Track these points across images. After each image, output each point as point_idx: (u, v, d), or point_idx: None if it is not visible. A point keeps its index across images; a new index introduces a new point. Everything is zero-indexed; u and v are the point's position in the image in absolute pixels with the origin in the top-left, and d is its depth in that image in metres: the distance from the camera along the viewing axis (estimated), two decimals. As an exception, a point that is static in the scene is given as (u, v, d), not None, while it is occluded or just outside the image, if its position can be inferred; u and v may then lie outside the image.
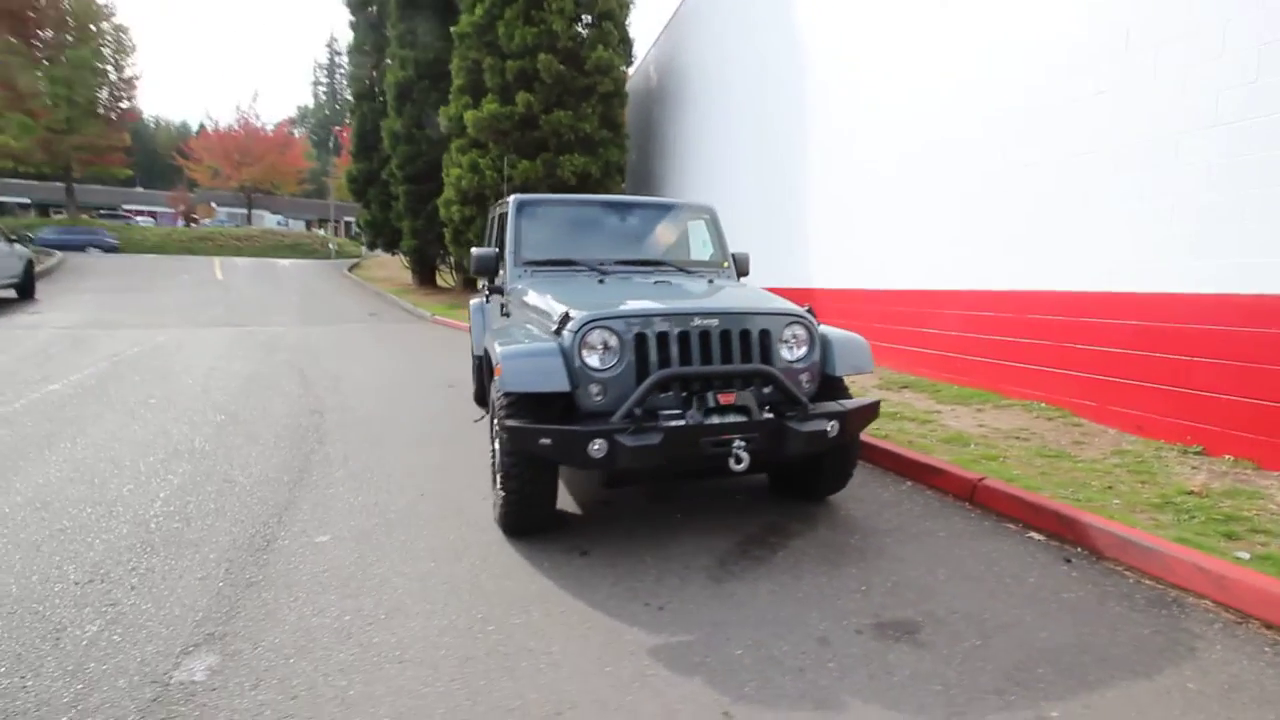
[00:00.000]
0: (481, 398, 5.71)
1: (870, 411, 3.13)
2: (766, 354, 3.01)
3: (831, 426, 2.87)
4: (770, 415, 2.86)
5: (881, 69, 6.99)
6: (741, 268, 4.38)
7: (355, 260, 28.86)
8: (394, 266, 24.71)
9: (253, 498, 3.57)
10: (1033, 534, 3.16)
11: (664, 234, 4.42)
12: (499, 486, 2.90)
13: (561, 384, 2.72)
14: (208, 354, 8.57)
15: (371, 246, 21.43)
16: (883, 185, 6.96)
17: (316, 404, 5.89)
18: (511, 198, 4.18)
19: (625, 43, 14.16)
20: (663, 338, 2.87)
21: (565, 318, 2.87)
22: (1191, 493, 3.42)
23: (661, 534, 3.12)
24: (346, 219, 49.63)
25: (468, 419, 5.36)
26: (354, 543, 3.01)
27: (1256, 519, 3.07)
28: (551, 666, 2.09)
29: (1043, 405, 5.11)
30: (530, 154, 13.62)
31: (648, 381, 2.74)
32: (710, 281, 3.74)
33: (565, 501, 3.48)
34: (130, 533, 3.08)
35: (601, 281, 3.57)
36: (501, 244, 5.13)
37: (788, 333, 3.09)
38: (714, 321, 2.94)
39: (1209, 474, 3.65)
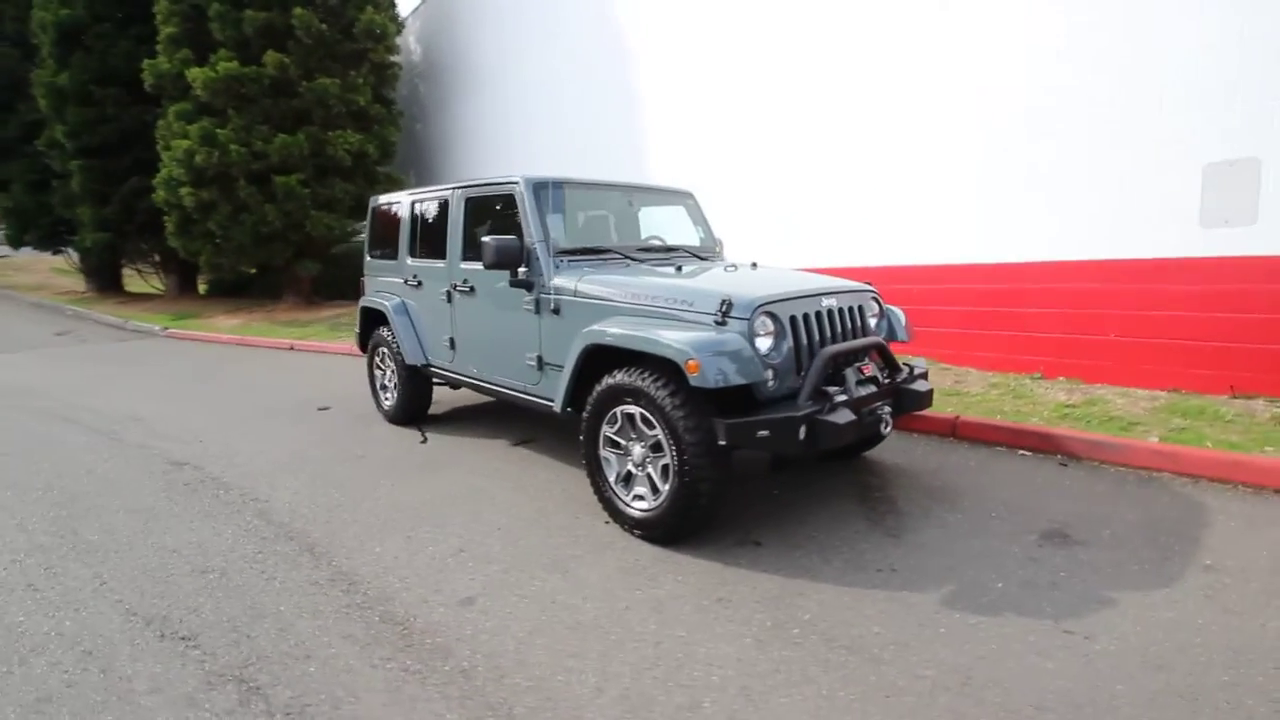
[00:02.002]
0: (407, 416, 4.91)
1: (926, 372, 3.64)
2: (865, 327, 3.30)
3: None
4: (889, 381, 3.16)
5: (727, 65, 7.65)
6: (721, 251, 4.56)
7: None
8: (42, 270, 18.52)
9: (287, 586, 2.65)
10: (1022, 451, 4.04)
11: (658, 218, 4.35)
12: (684, 489, 2.67)
13: (758, 373, 2.64)
14: None
15: (16, 244, 15.58)
16: (748, 175, 7.67)
17: (158, 454, 4.40)
18: (521, 179, 3.68)
19: (393, 7, 12.73)
20: (806, 319, 2.96)
21: (726, 304, 2.76)
22: (1071, 405, 4.70)
23: (790, 512, 3.21)
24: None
25: (393, 442, 4.56)
26: (504, 600, 2.49)
27: (1124, 416, 4.38)
28: (902, 646, 2.12)
29: (910, 357, 6.32)
30: (288, 126, 11.49)
31: (819, 361, 2.82)
32: (754, 265, 3.85)
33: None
34: (201, 671, 2.08)
35: (679, 269, 3.43)
36: (426, 240, 4.51)
37: (870, 306, 3.42)
38: (834, 301, 3.12)
39: (1064, 392, 5.04)
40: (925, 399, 3.23)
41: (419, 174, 14.34)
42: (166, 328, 11.43)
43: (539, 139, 11.15)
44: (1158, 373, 4.86)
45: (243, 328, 11.24)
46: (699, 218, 4.53)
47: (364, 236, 5.45)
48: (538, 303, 3.54)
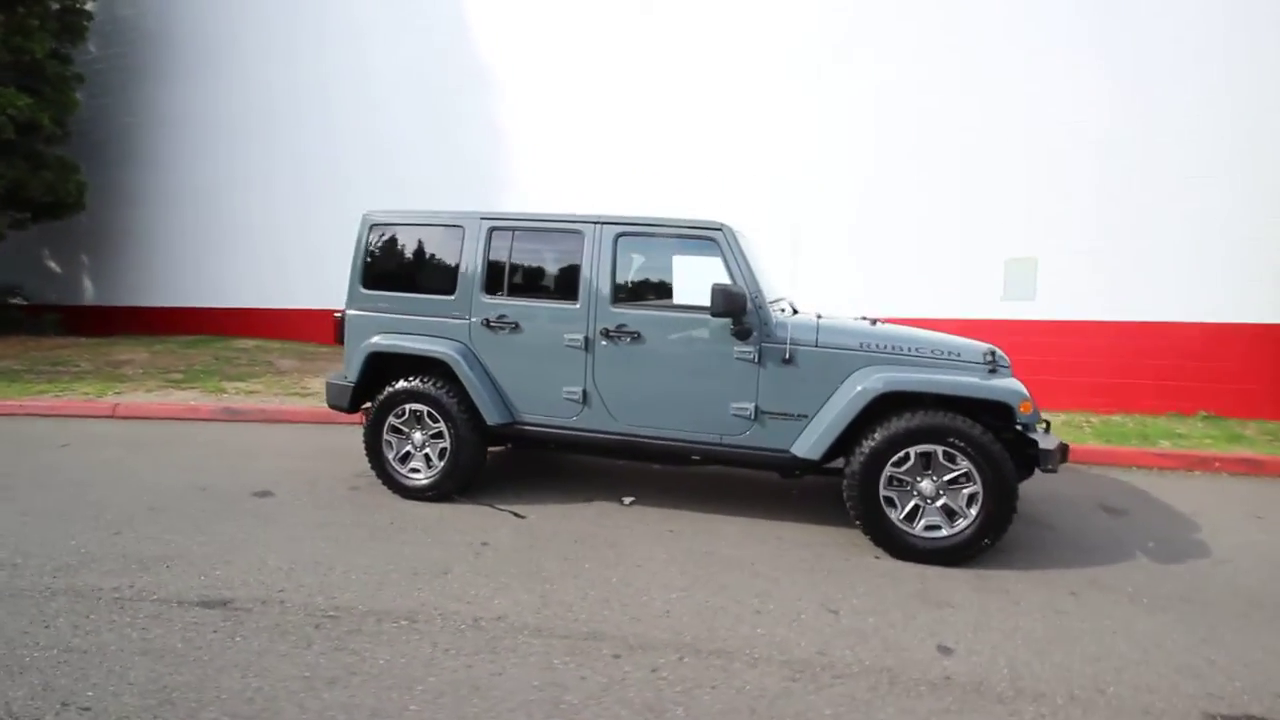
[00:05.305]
0: (456, 488, 3.98)
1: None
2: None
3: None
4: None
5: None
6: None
7: None
8: None
9: (756, 696, 2.23)
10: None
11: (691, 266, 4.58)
12: (1000, 513, 3.14)
13: (1033, 410, 3.32)
14: None
15: None
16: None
17: (138, 595, 2.80)
18: (724, 226, 3.60)
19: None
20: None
21: (992, 355, 3.39)
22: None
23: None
24: None
25: (473, 523, 3.80)
26: (975, 641, 2.61)
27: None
28: (1188, 591, 3.04)
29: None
30: (-104, 65, 7.41)
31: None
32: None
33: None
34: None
35: (875, 323, 3.82)
36: (527, 276, 4.00)
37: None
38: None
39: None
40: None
41: (89, 161, 10.48)
42: None
43: (309, 141, 9.57)
44: (982, 397, 7.07)
45: None
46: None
47: (352, 264, 4.18)
48: (760, 351, 3.52)
